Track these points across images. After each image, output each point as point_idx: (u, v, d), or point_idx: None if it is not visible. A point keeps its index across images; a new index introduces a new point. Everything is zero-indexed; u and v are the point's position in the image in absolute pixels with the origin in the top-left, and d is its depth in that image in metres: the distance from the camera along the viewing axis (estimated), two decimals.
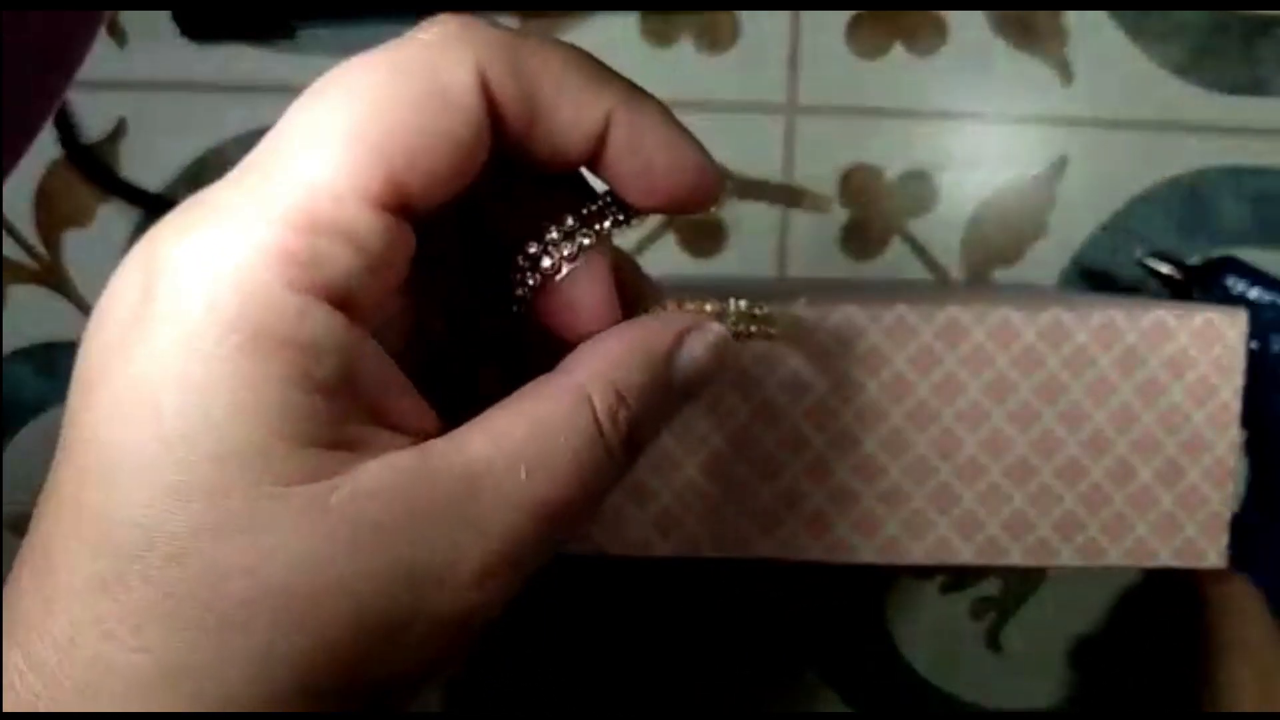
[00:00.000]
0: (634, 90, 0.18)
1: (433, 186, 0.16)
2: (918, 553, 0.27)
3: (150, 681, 0.15)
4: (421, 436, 0.17)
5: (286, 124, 0.16)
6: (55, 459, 0.16)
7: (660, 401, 0.19)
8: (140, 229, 0.47)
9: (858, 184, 0.47)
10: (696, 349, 0.19)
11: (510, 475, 0.17)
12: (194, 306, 0.15)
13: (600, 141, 0.18)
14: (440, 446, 0.17)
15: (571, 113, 0.17)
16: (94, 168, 0.47)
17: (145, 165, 0.47)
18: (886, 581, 0.49)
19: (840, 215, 0.47)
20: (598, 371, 0.18)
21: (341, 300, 0.16)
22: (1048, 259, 0.47)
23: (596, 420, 0.18)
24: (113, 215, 0.47)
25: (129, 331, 0.16)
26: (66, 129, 0.47)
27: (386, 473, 0.16)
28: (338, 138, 0.16)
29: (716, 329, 0.20)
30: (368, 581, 0.16)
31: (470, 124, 0.16)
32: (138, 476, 0.15)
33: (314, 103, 0.16)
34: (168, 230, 0.16)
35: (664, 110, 0.19)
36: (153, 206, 0.47)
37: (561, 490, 0.17)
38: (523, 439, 0.17)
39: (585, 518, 0.18)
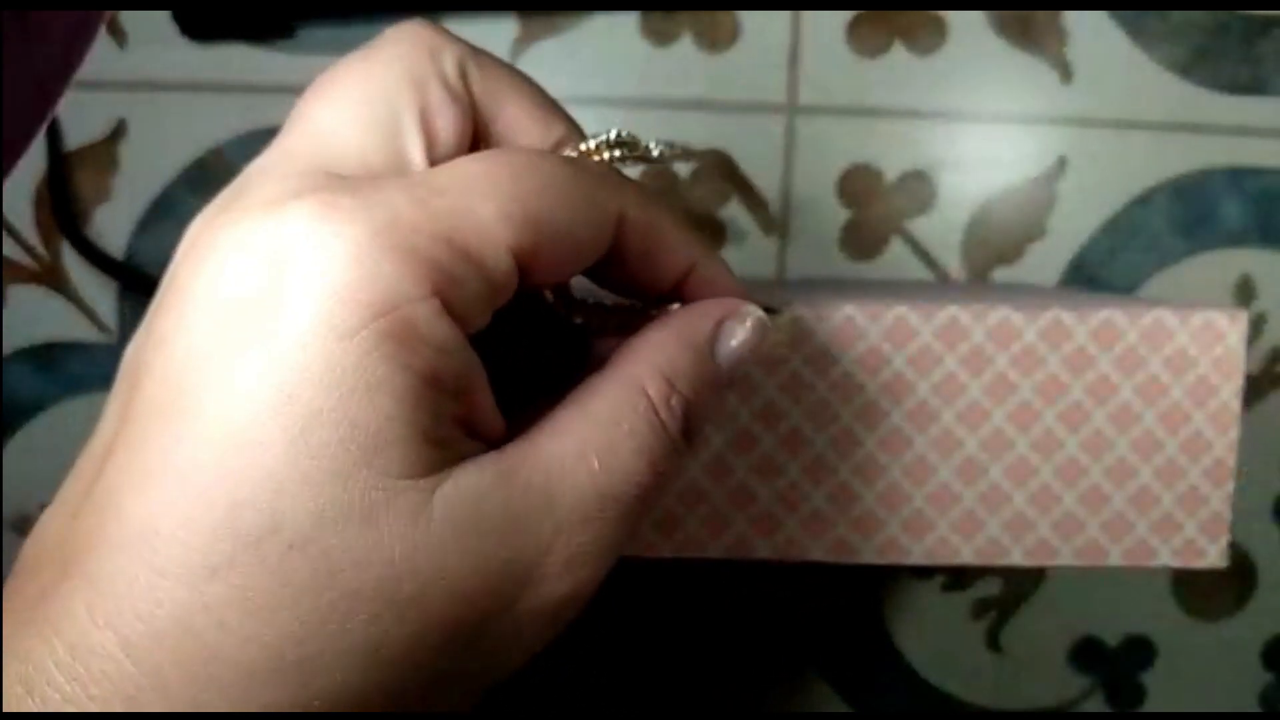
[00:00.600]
0: (703, 240, 0.22)
1: (554, 266, 0.18)
2: (918, 553, 0.27)
3: (259, 673, 0.15)
4: (493, 439, 0.18)
5: (472, 168, 0.18)
6: (147, 420, 0.16)
7: (710, 387, 0.20)
8: (141, 229, 0.47)
9: (858, 184, 0.47)
10: (737, 334, 0.21)
11: (583, 468, 0.18)
12: (336, 289, 0.15)
13: (683, 280, 0.21)
14: (519, 449, 0.18)
15: (675, 261, 0.20)
16: (71, 226, 0.47)
17: (145, 165, 0.47)
18: (886, 581, 0.49)
19: (840, 215, 0.47)
20: (649, 362, 0.19)
21: (458, 318, 0.17)
22: (1048, 259, 0.47)
23: (653, 407, 0.19)
24: (113, 215, 0.47)
25: (258, 309, 0.16)
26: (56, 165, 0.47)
27: (480, 474, 0.17)
28: (514, 200, 0.17)
29: (752, 311, 0.21)
30: (467, 577, 0.16)
31: (601, 244, 0.19)
32: (267, 459, 0.15)
33: (505, 160, 0.18)
34: (301, 213, 0.16)
35: (715, 249, 0.22)
36: (119, 275, 0.47)
37: (630, 477, 0.18)
38: (589, 434, 0.18)
39: (654, 503, 0.20)
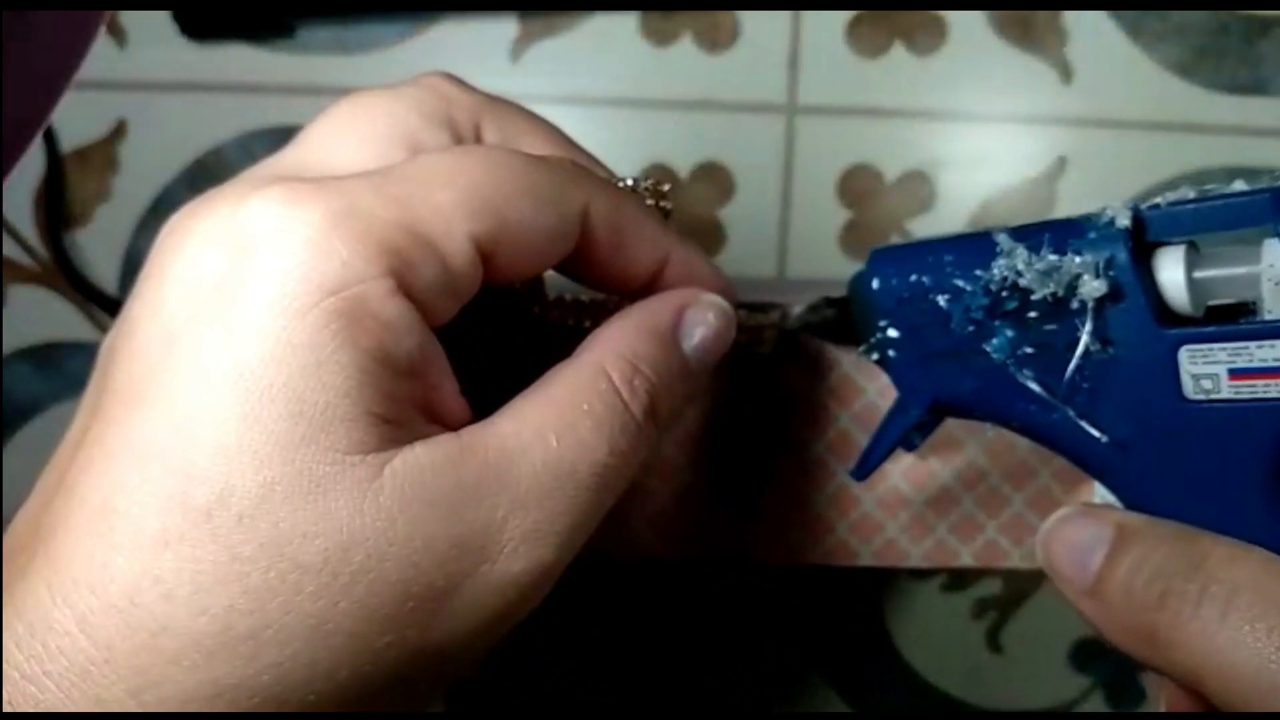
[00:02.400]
0: (678, 234, 0.22)
1: (519, 258, 0.19)
2: (916, 556, 0.27)
3: (207, 645, 0.15)
4: (455, 426, 0.18)
5: (433, 160, 0.18)
6: (114, 408, 0.16)
7: (675, 373, 0.21)
8: (141, 229, 0.47)
9: (858, 184, 0.47)
10: (701, 324, 0.21)
11: (540, 445, 0.18)
12: (291, 270, 0.16)
13: (658, 274, 0.21)
14: (476, 430, 0.18)
15: (646, 255, 0.21)
16: (62, 254, 0.47)
17: (145, 165, 0.47)
18: (886, 581, 0.50)
19: (840, 215, 0.47)
20: (610, 348, 0.20)
21: (417, 302, 0.17)
22: None
23: (615, 388, 0.19)
24: (113, 215, 0.47)
25: (220, 292, 0.16)
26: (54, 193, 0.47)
27: (433, 451, 0.17)
28: (472, 189, 0.18)
29: (713, 301, 0.22)
30: (418, 549, 0.16)
31: (567, 238, 0.19)
32: (220, 435, 0.15)
33: (467, 153, 0.18)
34: (263, 201, 0.17)
35: (692, 242, 0.23)
36: (99, 302, 0.47)
37: (590, 454, 0.18)
38: (547, 413, 0.18)
39: (619, 485, 0.19)
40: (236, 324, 0.16)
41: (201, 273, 0.16)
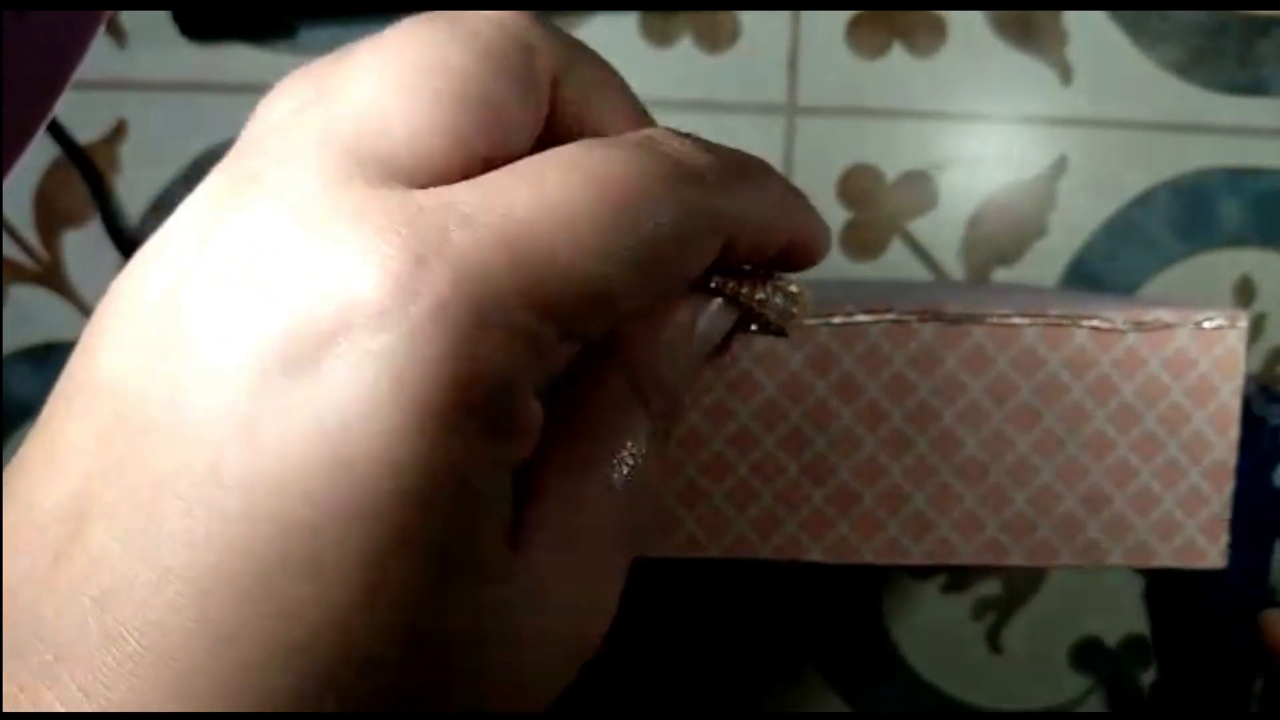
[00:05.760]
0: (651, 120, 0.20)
1: (498, 143, 0.16)
2: (918, 553, 0.27)
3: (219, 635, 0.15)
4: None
5: (370, 58, 0.17)
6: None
7: (684, 371, 0.20)
8: (141, 230, 0.47)
9: (858, 184, 0.47)
10: (705, 315, 0.20)
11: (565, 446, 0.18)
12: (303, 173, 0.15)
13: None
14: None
15: (614, 128, 0.19)
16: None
17: (145, 165, 0.47)
18: (886, 581, 0.50)
19: (840, 215, 0.47)
20: (621, 348, 0.19)
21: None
22: (1048, 259, 0.47)
23: (636, 390, 0.19)
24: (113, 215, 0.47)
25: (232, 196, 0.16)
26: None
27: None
28: (435, 94, 0.16)
29: (706, 301, 0.21)
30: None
31: (539, 106, 0.17)
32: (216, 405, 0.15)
33: (411, 48, 0.17)
34: (364, 290, 0.14)
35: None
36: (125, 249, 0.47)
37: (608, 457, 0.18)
38: (570, 415, 0.18)
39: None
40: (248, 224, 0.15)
41: (283, 351, 0.14)
